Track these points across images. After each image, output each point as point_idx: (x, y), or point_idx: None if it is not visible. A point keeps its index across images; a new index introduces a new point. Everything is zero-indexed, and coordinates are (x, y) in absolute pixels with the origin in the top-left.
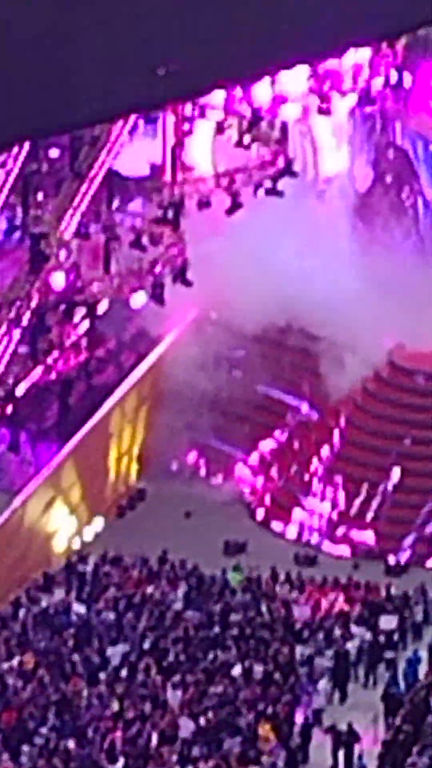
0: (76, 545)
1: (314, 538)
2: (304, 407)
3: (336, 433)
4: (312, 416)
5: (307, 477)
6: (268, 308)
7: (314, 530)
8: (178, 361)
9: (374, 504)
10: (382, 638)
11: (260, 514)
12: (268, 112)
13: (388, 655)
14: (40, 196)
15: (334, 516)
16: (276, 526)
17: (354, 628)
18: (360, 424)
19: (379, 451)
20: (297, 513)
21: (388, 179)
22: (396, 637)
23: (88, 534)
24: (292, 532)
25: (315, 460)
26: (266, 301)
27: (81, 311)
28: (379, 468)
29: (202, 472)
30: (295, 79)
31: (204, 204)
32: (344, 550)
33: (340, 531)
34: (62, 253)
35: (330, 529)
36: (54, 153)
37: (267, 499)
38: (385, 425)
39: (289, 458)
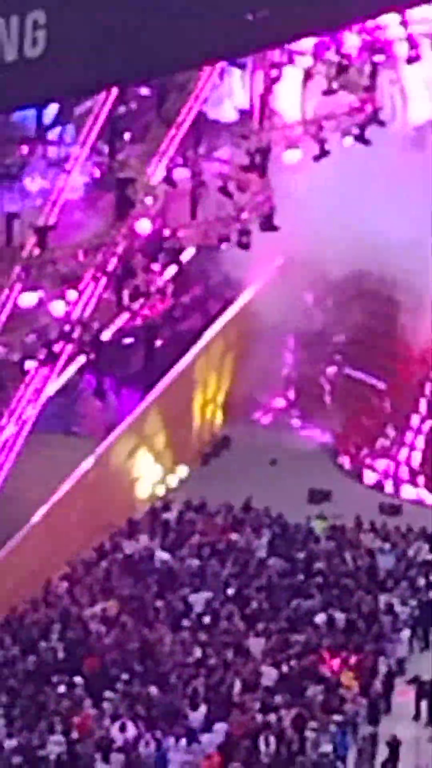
0: (161, 492)
1: (400, 487)
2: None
3: (421, 380)
4: (395, 362)
5: (393, 425)
6: (352, 254)
7: (401, 479)
8: (265, 307)
9: None
10: None
11: (346, 462)
12: (356, 60)
13: None
14: (127, 136)
15: (423, 464)
16: (362, 474)
17: None
18: None
19: None
20: (383, 462)
21: None
22: None
23: (173, 481)
24: (378, 480)
25: (401, 408)
26: (351, 248)
27: (167, 257)
28: None
29: (288, 419)
30: (384, 26)
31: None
32: None
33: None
34: (148, 199)
35: (417, 477)
36: (144, 91)
37: (353, 448)
38: None
39: (376, 407)
